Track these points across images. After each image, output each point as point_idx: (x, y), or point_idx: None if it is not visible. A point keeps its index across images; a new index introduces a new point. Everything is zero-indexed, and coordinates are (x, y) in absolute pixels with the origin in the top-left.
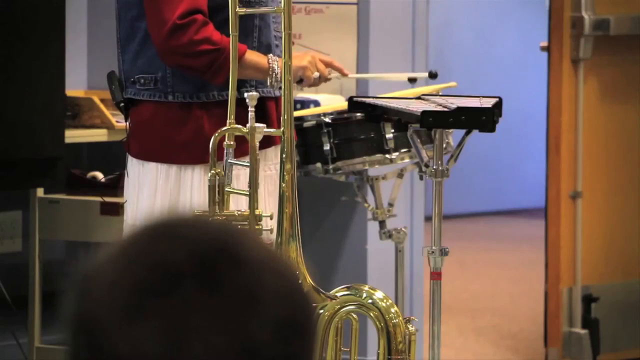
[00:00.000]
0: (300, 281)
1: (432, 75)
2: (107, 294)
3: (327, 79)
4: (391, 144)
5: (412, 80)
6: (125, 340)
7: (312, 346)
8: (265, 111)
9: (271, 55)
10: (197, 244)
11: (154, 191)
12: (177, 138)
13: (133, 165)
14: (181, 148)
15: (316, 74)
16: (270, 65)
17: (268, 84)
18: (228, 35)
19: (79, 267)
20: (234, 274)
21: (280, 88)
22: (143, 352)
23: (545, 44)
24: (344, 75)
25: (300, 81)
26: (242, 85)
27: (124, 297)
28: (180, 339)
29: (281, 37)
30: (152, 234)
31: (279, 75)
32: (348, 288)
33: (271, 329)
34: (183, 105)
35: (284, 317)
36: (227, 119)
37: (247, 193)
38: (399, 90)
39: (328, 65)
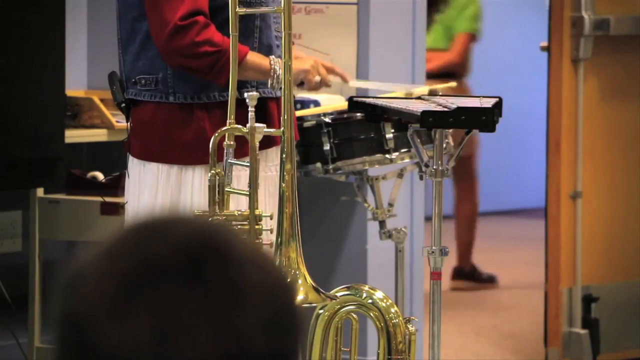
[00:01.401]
0: (285, 278)
1: (433, 94)
2: (93, 290)
3: (328, 85)
4: (391, 144)
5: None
6: (113, 336)
7: (297, 341)
8: (267, 112)
9: (273, 57)
10: (182, 241)
11: (155, 191)
12: (179, 139)
13: (134, 165)
14: (182, 149)
15: (317, 78)
16: (272, 66)
17: (269, 85)
18: (229, 36)
19: (65, 266)
20: (220, 269)
21: (281, 89)
22: (130, 347)
23: (545, 44)
24: (345, 81)
25: (301, 84)
26: (242, 85)
27: (110, 293)
28: (167, 333)
29: (282, 37)
30: (137, 232)
31: (280, 77)
32: (348, 288)
33: (256, 324)
34: (184, 106)
35: (269, 312)
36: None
37: (247, 193)
38: (400, 89)
39: (330, 71)
